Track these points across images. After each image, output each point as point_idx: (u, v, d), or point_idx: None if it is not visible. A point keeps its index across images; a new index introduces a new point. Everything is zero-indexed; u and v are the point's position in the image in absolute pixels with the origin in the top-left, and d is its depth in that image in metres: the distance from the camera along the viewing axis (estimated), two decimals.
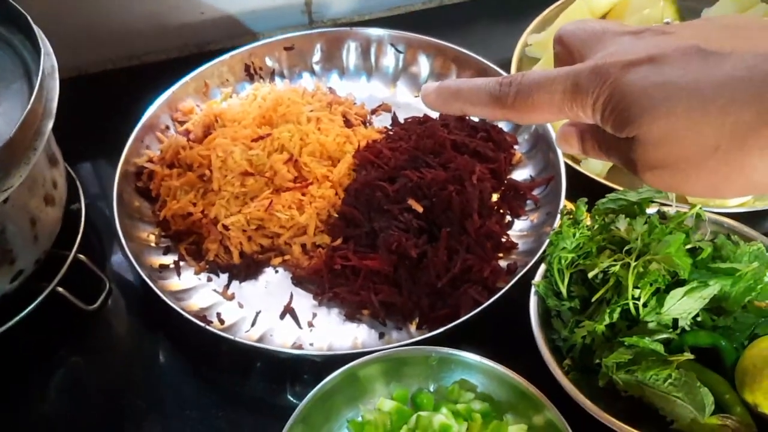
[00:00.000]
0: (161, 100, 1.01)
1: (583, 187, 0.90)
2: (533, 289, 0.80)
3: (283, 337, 0.84)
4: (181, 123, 1.02)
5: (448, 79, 0.64)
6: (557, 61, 0.54)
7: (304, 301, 0.87)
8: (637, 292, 0.74)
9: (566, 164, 0.93)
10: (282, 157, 0.90)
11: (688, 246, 0.76)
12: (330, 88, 1.07)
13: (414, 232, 0.85)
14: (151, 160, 0.96)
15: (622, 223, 0.78)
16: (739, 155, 0.42)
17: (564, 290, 0.78)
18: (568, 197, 0.89)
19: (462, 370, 0.75)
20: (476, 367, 0.75)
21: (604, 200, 0.82)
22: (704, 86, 0.42)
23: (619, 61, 0.45)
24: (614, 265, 0.75)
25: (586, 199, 0.80)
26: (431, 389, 0.76)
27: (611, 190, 0.85)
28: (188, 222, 0.90)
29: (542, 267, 0.82)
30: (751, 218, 0.86)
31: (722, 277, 0.74)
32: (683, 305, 0.74)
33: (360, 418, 0.74)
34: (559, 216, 0.82)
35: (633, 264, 0.74)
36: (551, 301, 0.79)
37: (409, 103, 1.07)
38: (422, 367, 0.76)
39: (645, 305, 0.74)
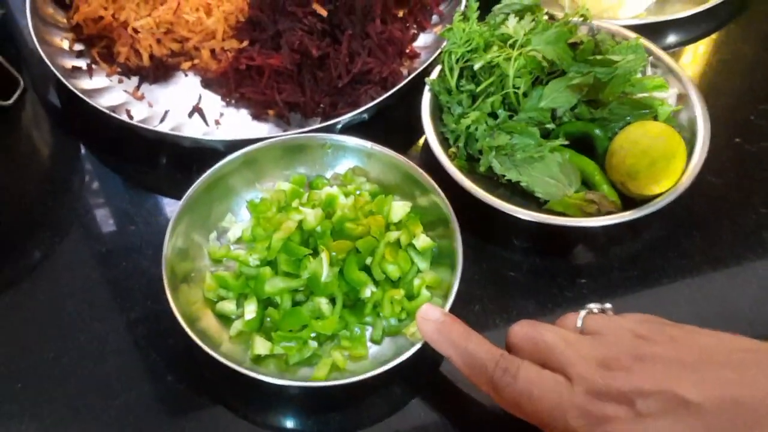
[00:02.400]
0: None
1: (490, 1, 0.92)
2: (427, 86, 0.84)
3: (190, 134, 0.87)
4: None
5: (451, 318, 0.63)
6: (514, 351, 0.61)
7: (212, 103, 0.91)
8: (518, 81, 0.78)
9: None
10: None
11: (570, 41, 0.80)
12: None
13: (317, 34, 0.88)
14: None
15: (512, 22, 0.82)
16: None
17: (453, 84, 0.82)
18: None
19: (356, 156, 0.80)
20: (368, 154, 0.79)
21: (500, 5, 0.86)
22: None
23: (603, 414, 0.53)
24: (498, 57, 0.79)
25: None
26: (327, 176, 0.81)
27: None
28: (100, 26, 0.93)
29: (438, 68, 0.85)
30: (644, 31, 0.89)
31: (599, 68, 0.78)
32: (562, 96, 0.78)
33: (258, 200, 0.79)
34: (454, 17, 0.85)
35: (515, 54, 0.78)
36: (443, 97, 0.83)
37: None
38: (318, 154, 0.80)
39: (525, 95, 0.79)
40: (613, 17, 0.94)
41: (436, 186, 0.75)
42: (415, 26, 0.97)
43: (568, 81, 0.77)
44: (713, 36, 1.00)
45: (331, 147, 0.80)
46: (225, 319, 0.71)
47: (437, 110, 0.84)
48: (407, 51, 0.94)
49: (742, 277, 0.77)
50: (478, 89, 0.80)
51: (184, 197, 0.74)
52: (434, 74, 0.85)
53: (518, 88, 0.78)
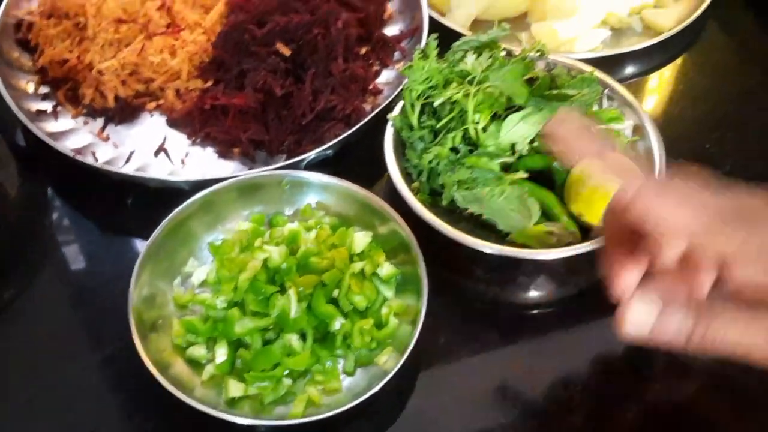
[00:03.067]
0: None
1: (449, 39, 0.94)
2: (389, 123, 0.86)
3: (156, 174, 0.88)
4: None
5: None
6: None
7: (178, 142, 0.92)
8: (477, 117, 0.80)
9: (431, 17, 0.98)
10: (155, 4, 0.94)
11: (527, 76, 0.82)
12: None
13: (281, 73, 0.90)
14: (30, 12, 0.98)
15: (470, 59, 0.84)
16: None
17: (415, 121, 0.84)
18: None
19: (314, 192, 0.81)
20: (326, 188, 0.81)
21: (458, 42, 0.88)
22: None
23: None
24: (457, 93, 0.81)
25: (436, 34, 0.86)
26: (287, 213, 0.82)
27: None
28: (65, 69, 0.94)
29: (399, 104, 0.87)
30: (601, 64, 0.92)
31: (555, 103, 0.80)
32: (520, 130, 0.80)
33: (219, 242, 0.79)
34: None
35: (473, 91, 0.80)
36: (405, 132, 0.85)
37: None
38: (276, 192, 0.81)
39: (485, 130, 0.81)
40: (570, 51, 0.96)
41: (395, 213, 0.77)
42: (377, 63, 0.99)
43: (525, 115, 0.80)
44: (668, 67, 1.03)
45: (288, 184, 0.81)
46: (196, 364, 0.72)
47: (400, 146, 0.86)
48: (370, 87, 0.95)
49: None
50: (439, 125, 0.82)
51: (145, 246, 0.74)
52: (396, 110, 0.86)
53: (477, 123, 0.80)
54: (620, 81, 0.89)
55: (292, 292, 0.71)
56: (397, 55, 1.00)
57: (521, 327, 0.77)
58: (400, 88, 0.88)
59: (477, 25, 1.02)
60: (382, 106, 0.88)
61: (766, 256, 0.50)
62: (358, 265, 0.75)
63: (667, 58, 1.03)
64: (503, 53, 0.86)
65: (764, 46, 1.08)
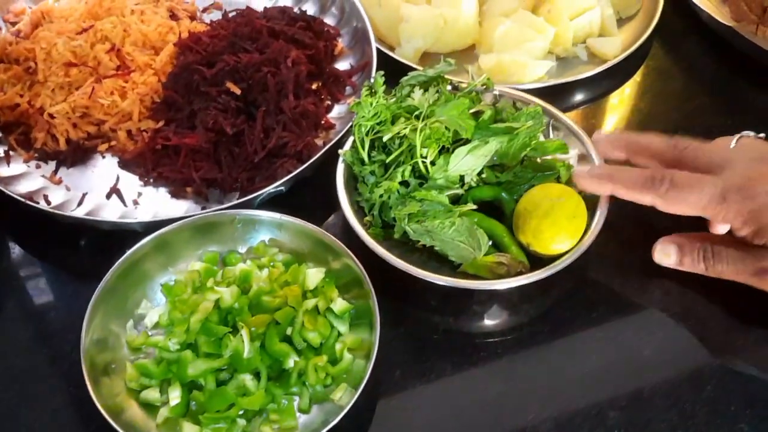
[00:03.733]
0: None
1: (399, 72, 0.95)
2: (341, 158, 0.87)
3: (108, 215, 0.88)
4: (14, 24, 1.04)
5: (599, 165, 0.82)
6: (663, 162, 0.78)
7: (130, 183, 0.92)
8: (425, 151, 0.81)
9: (380, 50, 1.00)
10: (104, 47, 0.94)
11: (473, 110, 0.84)
12: None
13: (232, 112, 0.91)
14: None
15: (417, 94, 0.85)
16: None
17: (365, 156, 0.85)
18: None
19: (267, 230, 0.82)
20: (279, 225, 0.81)
21: (407, 77, 0.89)
22: None
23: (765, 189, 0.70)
24: (405, 129, 0.82)
25: (383, 72, 0.87)
26: (241, 251, 0.83)
27: None
28: (16, 113, 0.94)
29: (350, 139, 0.88)
30: (547, 94, 0.93)
31: (501, 136, 0.82)
32: (467, 162, 0.82)
33: (173, 283, 0.80)
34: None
35: (420, 126, 0.82)
36: (357, 167, 0.86)
37: (244, 2, 1.11)
38: (228, 230, 0.82)
39: (433, 163, 0.82)
40: (518, 81, 0.98)
41: (346, 248, 0.78)
42: (329, 98, 1.00)
43: (472, 148, 0.81)
44: (614, 94, 1.05)
45: (240, 222, 0.82)
46: (150, 408, 0.72)
47: (352, 180, 0.87)
48: (322, 122, 0.96)
49: (647, 325, 0.81)
50: (389, 159, 0.83)
51: (97, 289, 0.74)
52: (347, 145, 0.88)
53: (425, 157, 0.81)
54: (567, 109, 0.92)
55: (244, 332, 0.71)
56: (348, 89, 1.01)
57: (475, 356, 0.78)
58: (352, 122, 0.89)
59: (427, 57, 1.04)
60: (334, 141, 0.89)
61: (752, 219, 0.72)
62: (311, 302, 0.76)
63: (613, 85, 1.05)
64: (449, 87, 0.88)
65: (708, 69, 1.10)
